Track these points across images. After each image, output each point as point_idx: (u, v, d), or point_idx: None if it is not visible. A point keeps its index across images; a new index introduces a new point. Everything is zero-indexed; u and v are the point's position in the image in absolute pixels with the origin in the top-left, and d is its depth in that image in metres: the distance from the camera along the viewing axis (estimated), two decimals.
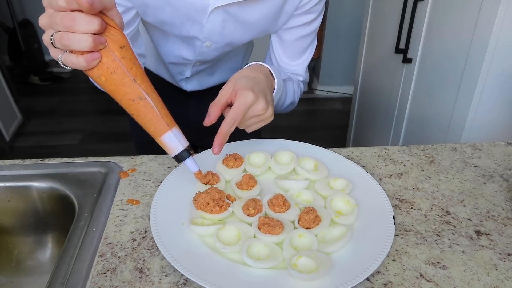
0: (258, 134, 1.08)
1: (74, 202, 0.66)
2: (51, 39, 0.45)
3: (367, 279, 0.52)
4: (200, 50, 0.79)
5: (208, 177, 0.66)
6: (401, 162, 0.77)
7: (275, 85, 0.69)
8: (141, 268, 0.54)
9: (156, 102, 0.52)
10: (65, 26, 0.43)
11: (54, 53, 0.47)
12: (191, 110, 0.98)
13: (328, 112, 3.05)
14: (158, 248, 0.55)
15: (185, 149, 0.56)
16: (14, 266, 0.75)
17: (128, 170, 0.73)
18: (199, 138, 0.96)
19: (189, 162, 0.58)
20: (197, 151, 0.76)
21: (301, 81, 0.87)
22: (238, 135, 0.84)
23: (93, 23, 0.43)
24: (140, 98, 0.51)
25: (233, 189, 0.66)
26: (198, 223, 0.58)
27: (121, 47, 0.48)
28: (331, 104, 3.15)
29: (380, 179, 0.72)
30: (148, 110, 0.52)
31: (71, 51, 0.46)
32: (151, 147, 0.85)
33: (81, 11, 0.43)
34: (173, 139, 0.54)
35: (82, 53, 0.45)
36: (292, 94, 0.81)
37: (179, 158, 0.57)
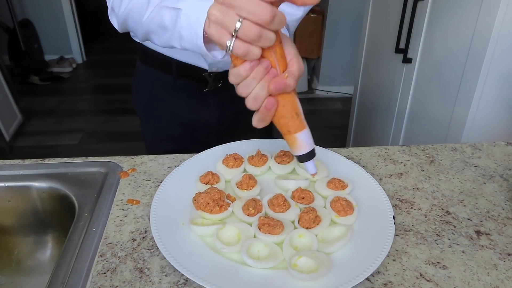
0: (268, 134, 1.06)
1: (74, 202, 0.66)
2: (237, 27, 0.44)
3: (367, 279, 0.52)
4: None
5: (208, 177, 0.66)
6: (401, 162, 0.77)
7: None
8: (141, 268, 0.54)
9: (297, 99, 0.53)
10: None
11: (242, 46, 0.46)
12: (211, 110, 0.96)
13: (328, 112, 3.05)
14: (158, 248, 0.55)
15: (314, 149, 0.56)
16: (14, 266, 0.75)
17: (128, 170, 0.73)
18: (217, 140, 0.93)
19: (313, 162, 0.57)
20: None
21: None
22: (238, 135, 0.84)
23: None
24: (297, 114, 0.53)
25: (233, 189, 0.66)
26: (198, 223, 0.58)
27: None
28: (331, 104, 3.14)
29: (380, 179, 0.72)
30: (294, 106, 0.53)
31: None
32: (161, 149, 0.84)
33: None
34: (308, 137, 0.54)
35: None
36: None
37: (309, 156, 0.55)
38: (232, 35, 0.44)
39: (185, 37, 0.55)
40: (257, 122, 0.52)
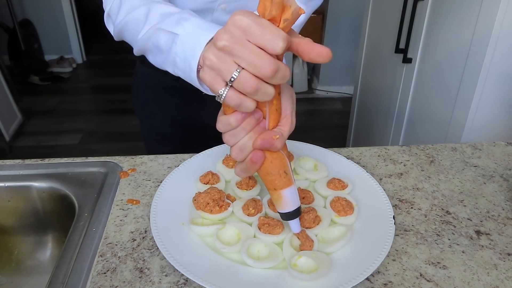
0: None
1: (74, 202, 0.66)
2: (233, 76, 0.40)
3: (367, 279, 0.52)
4: (215, 16, 0.76)
5: (208, 177, 0.66)
6: (401, 162, 0.77)
7: None
8: (141, 268, 0.54)
9: (286, 157, 0.50)
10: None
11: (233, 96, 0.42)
12: (210, 111, 0.95)
13: (328, 112, 3.05)
14: (158, 248, 0.55)
15: (300, 207, 0.53)
16: (14, 266, 0.75)
17: (128, 170, 0.73)
18: (217, 141, 0.94)
19: (297, 221, 0.54)
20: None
21: None
22: None
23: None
24: (286, 173, 0.49)
25: (233, 189, 0.66)
26: (198, 223, 0.58)
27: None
28: (331, 104, 3.15)
29: (380, 179, 0.72)
30: (282, 163, 0.49)
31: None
32: (160, 149, 0.84)
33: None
34: (294, 194, 0.51)
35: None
36: None
37: (294, 215, 0.52)
38: (227, 84, 0.41)
39: (179, 65, 0.53)
40: (240, 171, 0.48)
